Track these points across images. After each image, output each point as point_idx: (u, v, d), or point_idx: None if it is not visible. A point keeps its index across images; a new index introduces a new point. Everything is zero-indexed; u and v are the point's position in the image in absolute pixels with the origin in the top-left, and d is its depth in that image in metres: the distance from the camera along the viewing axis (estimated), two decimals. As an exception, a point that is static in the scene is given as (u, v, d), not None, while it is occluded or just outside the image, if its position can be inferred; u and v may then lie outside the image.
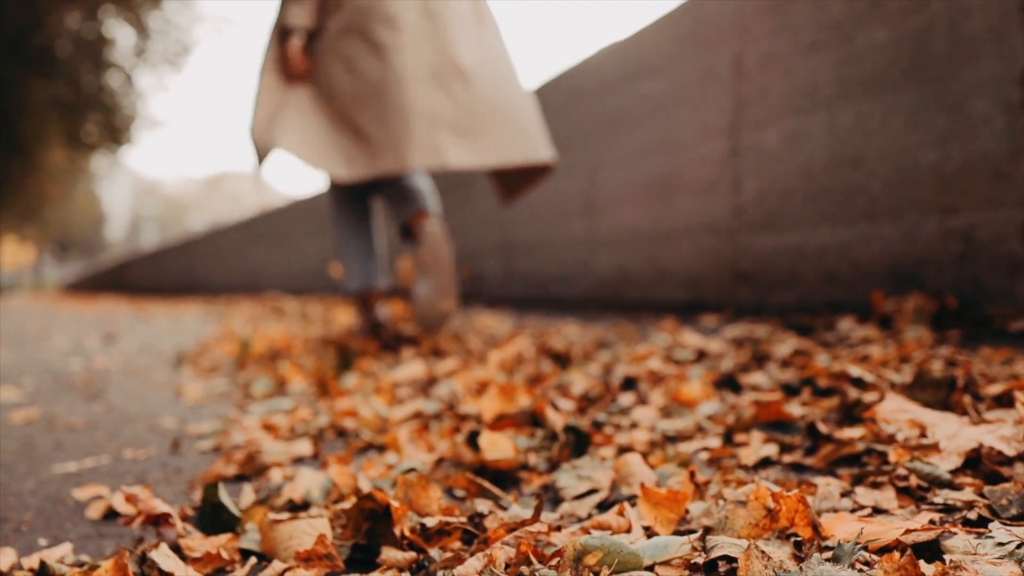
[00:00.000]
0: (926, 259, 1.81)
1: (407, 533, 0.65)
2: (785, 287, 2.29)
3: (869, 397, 0.93)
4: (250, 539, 0.69)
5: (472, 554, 0.60)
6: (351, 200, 2.11)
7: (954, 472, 0.70)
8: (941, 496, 0.65)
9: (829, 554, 0.52)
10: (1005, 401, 0.88)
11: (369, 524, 0.67)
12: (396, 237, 2.35)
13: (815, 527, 0.56)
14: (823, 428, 0.84)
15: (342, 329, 2.44)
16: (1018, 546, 0.51)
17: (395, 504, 0.66)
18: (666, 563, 0.55)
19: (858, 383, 1.03)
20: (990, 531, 0.54)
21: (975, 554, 0.51)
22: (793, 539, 0.56)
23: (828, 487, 0.69)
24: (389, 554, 0.63)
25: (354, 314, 2.23)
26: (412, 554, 0.63)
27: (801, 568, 0.49)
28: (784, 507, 0.57)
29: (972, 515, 0.61)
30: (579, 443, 0.90)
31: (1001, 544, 0.52)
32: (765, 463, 0.83)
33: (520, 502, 0.76)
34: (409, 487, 0.71)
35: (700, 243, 2.68)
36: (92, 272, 26.46)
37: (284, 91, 1.91)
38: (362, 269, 2.09)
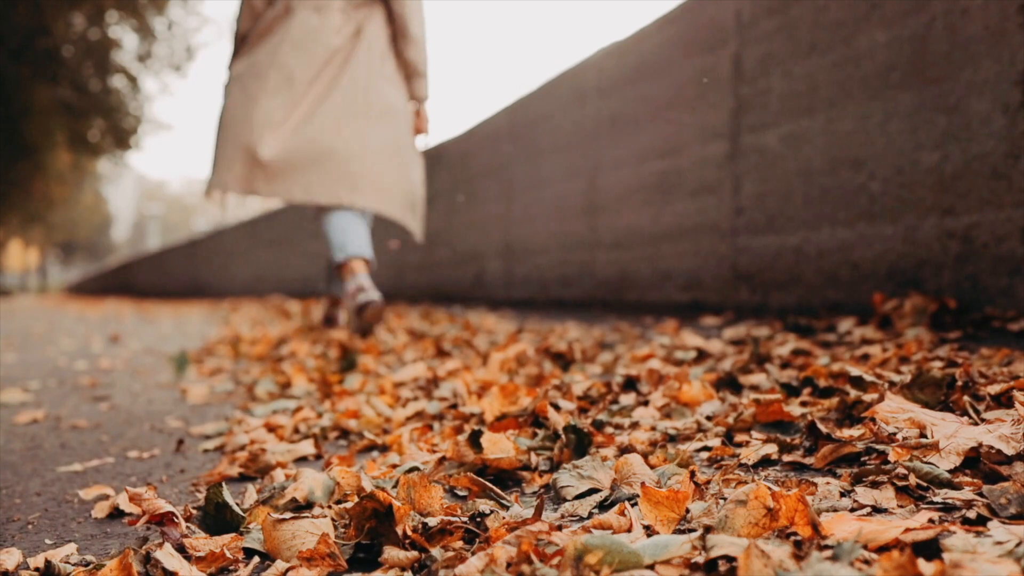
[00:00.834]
0: (926, 260, 1.82)
1: (409, 533, 0.65)
2: (785, 288, 2.29)
3: (869, 397, 0.94)
4: (254, 539, 0.70)
5: (474, 553, 0.60)
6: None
7: (953, 471, 0.70)
8: (940, 495, 0.65)
9: (829, 553, 0.52)
10: (1004, 401, 0.89)
11: (372, 524, 0.67)
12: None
13: (815, 526, 0.57)
14: (823, 428, 0.85)
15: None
16: (1017, 544, 0.51)
17: (397, 504, 0.66)
18: (667, 562, 0.55)
19: (858, 383, 1.03)
20: (989, 530, 0.55)
21: (974, 553, 0.51)
22: (793, 538, 0.57)
23: (828, 487, 0.70)
24: (391, 553, 0.63)
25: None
26: (414, 553, 0.63)
27: (801, 567, 0.49)
28: (784, 506, 0.57)
29: (971, 514, 0.61)
30: (580, 443, 0.91)
31: (1000, 543, 0.52)
32: (765, 463, 0.84)
33: (521, 502, 0.77)
34: (411, 487, 0.71)
35: (701, 244, 2.68)
36: (97, 274, 26.48)
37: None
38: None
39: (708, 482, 0.74)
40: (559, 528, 0.63)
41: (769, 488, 0.58)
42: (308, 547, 0.64)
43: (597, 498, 0.76)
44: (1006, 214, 1.62)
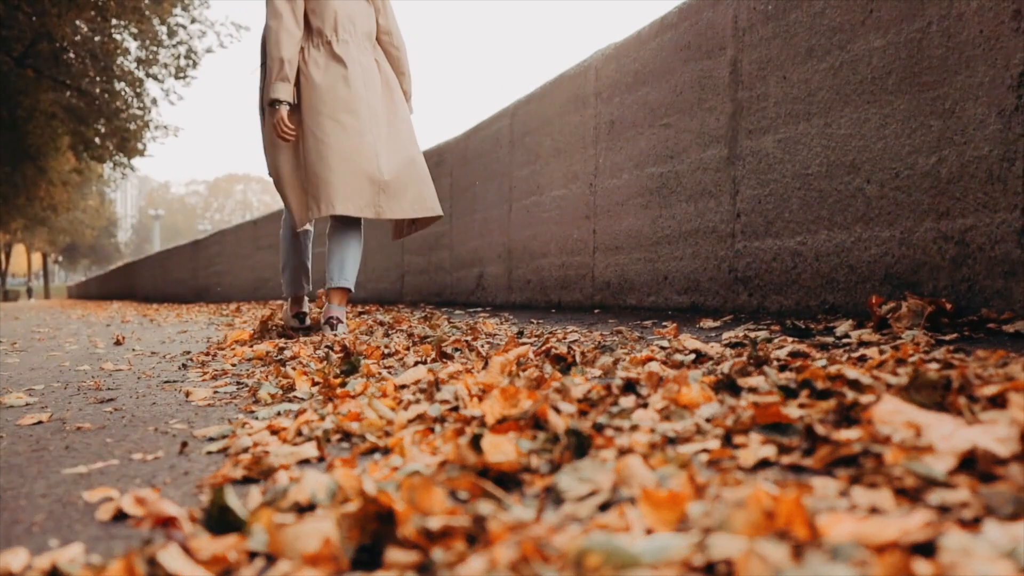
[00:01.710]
0: (922, 262, 1.83)
1: (411, 535, 0.66)
2: (783, 291, 2.30)
3: (866, 399, 0.94)
4: (257, 540, 0.71)
5: (475, 555, 0.61)
6: (295, 235, 3.00)
7: (950, 472, 0.71)
8: (937, 496, 0.66)
9: (826, 554, 0.53)
10: (1000, 402, 0.89)
11: (374, 526, 0.68)
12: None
13: (812, 527, 0.57)
14: (821, 430, 0.85)
15: (279, 319, 3.22)
16: (1013, 545, 0.52)
17: (399, 506, 0.67)
18: (666, 564, 0.56)
19: (855, 385, 1.04)
20: (985, 530, 0.55)
21: (970, 553, 0.52)
22: (791, 539, 0.57)
23: (825, 488, 0.70)
24: (394, 555, 0.64)
25: (288, 306, 3.11)
26: (416, 555, 0.64)
27: (799, 568, 0.50)
28: (782, 508, 0.58)
29: (967, 515, 0.62)
30: (580, 445, 0.92)
31: (996, 543, 0.53)
32: (764, 464, 0.84)
33: (522, 504, 0.77)
34: (413, 489, 0.72)
35: (699, 248, 2.69)
36: (101, 277, 26.45)
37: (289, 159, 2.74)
38: (295, 279, 3.00)
39: (707, 484, 0.74)
40: (560, 530, 0.64)
41: (767, 490, 0.59)
42: (312, 549, 0.64)
43: (597, 500, 0.77)
44: (1001, 217, 1.63)
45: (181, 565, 0.64)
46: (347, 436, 1.18)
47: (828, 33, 2.12)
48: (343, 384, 1.58)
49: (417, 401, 1.36)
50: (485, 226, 4.54)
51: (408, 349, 2.14)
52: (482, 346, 2.02)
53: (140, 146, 13.82)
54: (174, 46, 13.15)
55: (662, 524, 0.66)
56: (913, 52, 1.85)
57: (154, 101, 13.87)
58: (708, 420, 1.02)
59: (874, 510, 0.66)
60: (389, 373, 1.72)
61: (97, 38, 12.31)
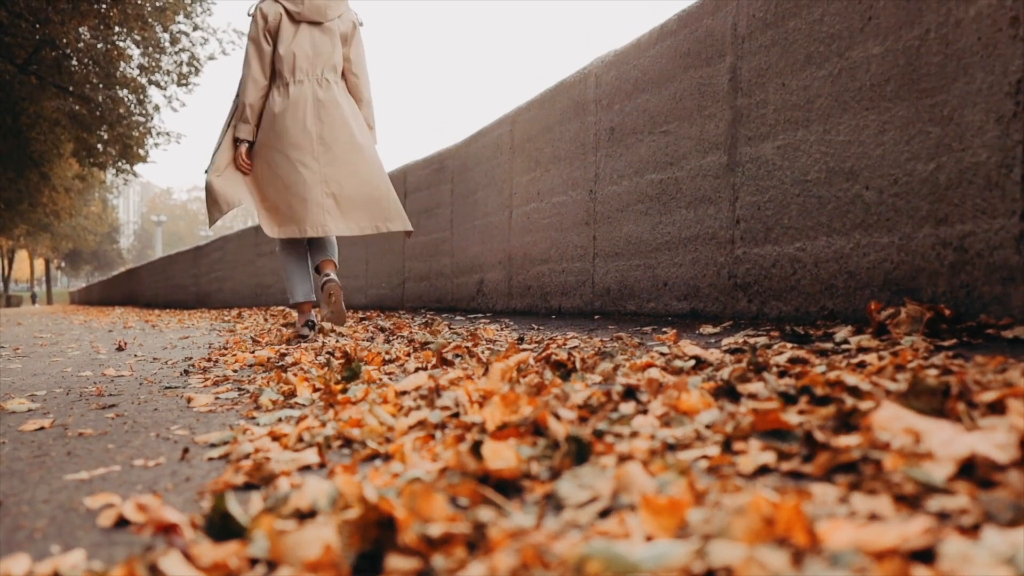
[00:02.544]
0: (921, 268, 1.83)
1: (412, 541, 0.66)
2: (782, 297, 2.30)
3: (865, 405, 0.95)
4: (258, 547, 0.71)
5: (476, 562, 0.61)
6: (295, 243, 3.22)
7: (949, 479, 0.71)
8: (936, 502, 0.66)
9: (826, 560, 0.53)
10: (999, 408, 0.90)
11: (375, 532, 0.68)
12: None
13: (812, 534, 0.58)
14: (820, 436, 0.85)
15: (290, 326, 3.40)
16: (1012, 552, 0.52)
17: (400, 513, 0.67)
18: (666, 570, 0.56)
19: (854, 391, 1.04)
20: (984, 537, 0.55)
21: (969, 560, 0.52)
22: (790, 546, 0.57)
23: (825, 494, 0.71)
24: (394, 562, 0.64)
25: (297, 314, 3.31)
26: (417, 562, 0.64)
27: (799, 574, 0.50)
28: (782, 515, 0.58)
29: (967, 521, 0.62)
30: (580, 452, 0.92)
31: (995, 550, 0.53)
32: (763, 471, 0.85)
33: (523, 510, 0.77)
34: (414, 496, 0.72)
35: (699, 254, 2.70)
36: (103, 283, 26.47)
37: (235, 175, 3.10)
38: (302, 287, 3.19)
39: (707, 491, 0.75)
40: (560, 536, 0.64)
41: (767, 496, 0.59)
42: (313, 556, 0.65)
43: (597, 507, 0.77)
44: (1000, 223, 1.64)
45: (182, 571, 0.64)
46: (348, 442, 1.18)
47: (827, 40, 2.13)
48: (344, 390, 1.58)
49: (418, 407, 1.36)
50: (486, 232, 4.55)
51: (409, 355, 2.14)
52: (483, 352, 2.02)
53: (143, 152, 13.85)
54: (176, 53, 13.20)
55: (662, 531, 0.66)
56: (911, 59, 1.86)
57: (156, 108, 13.90)
58: (708, 426, 1.02)
59: (873, 516, 0.66)
60: (390, 379, 1.72)
61: (100, 45, 12.37)
